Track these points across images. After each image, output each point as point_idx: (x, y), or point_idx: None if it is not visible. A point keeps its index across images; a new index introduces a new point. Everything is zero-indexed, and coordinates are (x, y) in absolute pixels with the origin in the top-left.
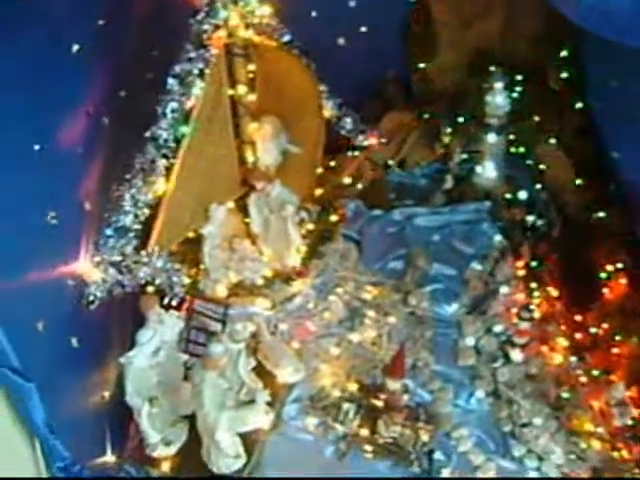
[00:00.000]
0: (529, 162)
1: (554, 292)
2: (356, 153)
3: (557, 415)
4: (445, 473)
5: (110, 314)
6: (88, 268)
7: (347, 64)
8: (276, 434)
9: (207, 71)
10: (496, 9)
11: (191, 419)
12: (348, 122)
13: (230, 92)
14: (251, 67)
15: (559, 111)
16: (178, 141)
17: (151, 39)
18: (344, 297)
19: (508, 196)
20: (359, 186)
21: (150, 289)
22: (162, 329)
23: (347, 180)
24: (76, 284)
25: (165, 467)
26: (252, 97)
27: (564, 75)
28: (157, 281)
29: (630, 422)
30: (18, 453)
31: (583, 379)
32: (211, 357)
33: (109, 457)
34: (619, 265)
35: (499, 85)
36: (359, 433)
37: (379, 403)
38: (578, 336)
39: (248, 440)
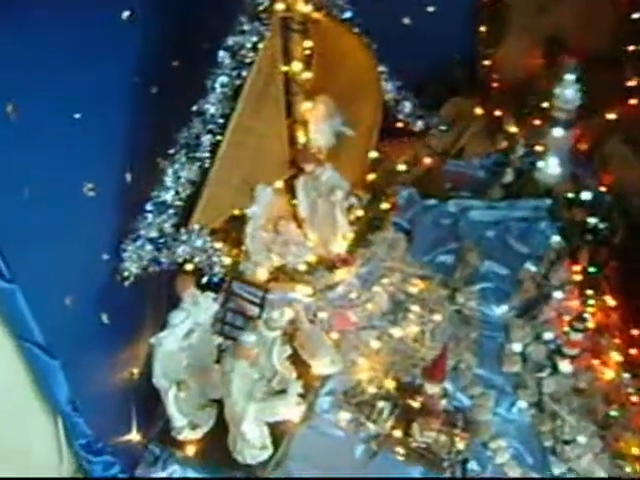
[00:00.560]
0: (595, 161)
1: (611, 302)
2: (413, 139)
3: (603, 434)
4: None
5: (144, 291)
6: (125, 243)
7: (410, 45)
8: (306, 427)
9: (261, 45)
10: None
11: (220, 404)
12: (407, 106)
13: (284, 68)
14: (308, 44)
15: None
16: (226, 117)
17: (209, 8)
18: (389, 289)
19: (570, 195)
20: (414, 173)
21: (188, 267)
22: (196, 310)
23: (402, 167)
24: (111, 259)
25: (190, 451)
26: (307, 75)
27: None
28: (196, 260)
29: None
30: (40, 429)
31: (634, 398)
32: (243, 346)
33: (134, 436)
34: None
35: (570, 77)
36: (392, 434)
37: (415, 404)
38: (633, 352)
39: (276, 431)
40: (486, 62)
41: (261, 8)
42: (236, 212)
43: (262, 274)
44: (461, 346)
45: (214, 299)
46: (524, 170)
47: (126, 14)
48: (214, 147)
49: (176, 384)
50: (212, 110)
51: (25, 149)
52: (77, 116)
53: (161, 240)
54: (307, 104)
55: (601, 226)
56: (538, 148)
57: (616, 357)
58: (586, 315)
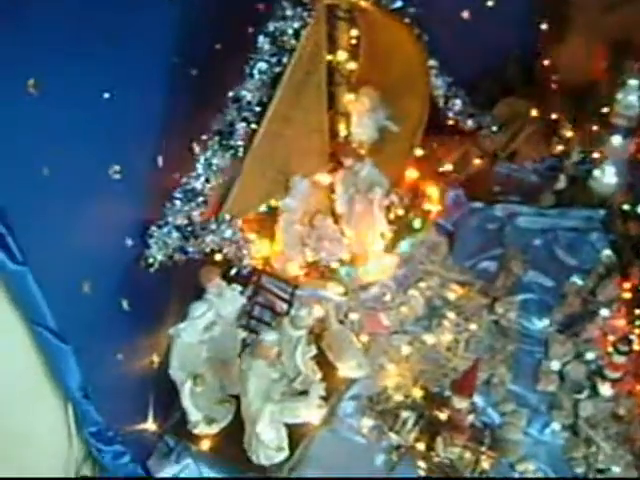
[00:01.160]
0: None
1: None
2: (463, 138)
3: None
4: None
5: (170, 279)
6: (151, 229)
7: (464, 40)
8: (327, 430)
9: (304, 32)
10: None
11: (239, 400)
12: (457, 103)
13: (328, 57)
14: (354, 33)
15: None
16: (263, 105)
17: None
18: (426, 293)
19: (626, 207)
20: (462, 174)
21: (217, 257)
22: (220, 303)
23: (449, 167)
24: (135, 244)
25: (205, 446)
26: (352, 65)
27: None
28: (225, 250)
29: None
30: (51, 415)
31: None
32: (262, 345)
33: (150, 425)
34: None
35: (634, 82)
36: (415, 446)
37: (442, 417)
38: None
39: (296, 432)
40: (545, 61)
41: None
42: (273, 203)
43: (293, 269)
44: (496, 359)
45: (241, 292)
46: (578, 177)
47: None
48: (248, 136)
49: (192, 377)
50: (248, 97)
51: (46, 126)
52: (106, 95)
53: (189, 228)
54: (350, 96)
55: None
56: (595, 155)
57: None
58: (632, 337)
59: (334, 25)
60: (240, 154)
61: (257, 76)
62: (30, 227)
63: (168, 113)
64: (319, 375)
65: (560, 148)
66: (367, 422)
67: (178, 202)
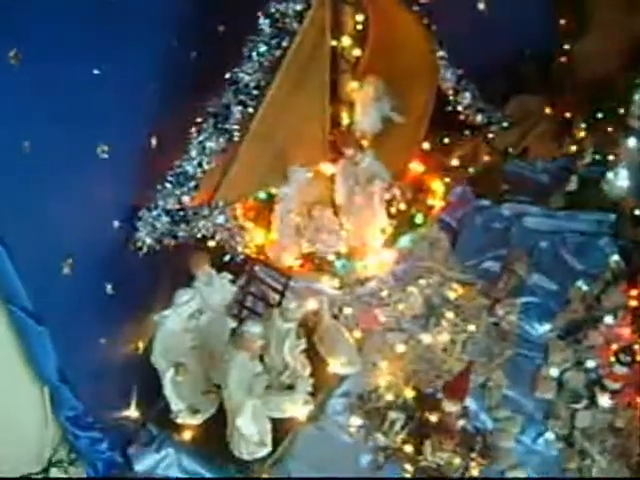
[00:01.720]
0: None
1: None
2: (474, 134)
3: None
4: None
5: (159, 264)
6: (140, 211)
7: (479, 32)
8: (313, 427)
9: (307, 15)
10: None
11: None
12: (466, 97)
13: (332, 43)
14: (360, 18)
15: None
16: (261, 89)
17: None
18: (424, 291)
19: (637, 212)
20: (470, 170)
21: (210, 244)
22: (209, 291)
23: (456, 162)
24: (123, 227)
25: (187, 436)
26: (357, 52)
27: None
28: (217, 237)
29: None
30: (26, 397)
31: None
32: (245, 336)
33: (132, 412)
34: None
35: None
36: (402, 448)
37: (433, 419)
38: None
39: (280, 428)
40: (562, 59)
41: None
42: (273, 191)
43: (288, 259)
44: (493, 362)
45: (232, 281)
46: (590, 179)
47: None
48: (245, 120)
49: (174, 366)
50: (246, 80)
51: (27, 99)
52: (96, 72)
53: (179, 213)
54: (355, 84)
55: None
56: (608, 157)
57: None
58: (636, 346)
59: (339, 9)
60: (235, 138)
61: (256, 58)
62: (7, 202)
63: (164, 95)
64: (308, 370)
65: (573, 148)
66: (355, 421)
67: (169, 185)
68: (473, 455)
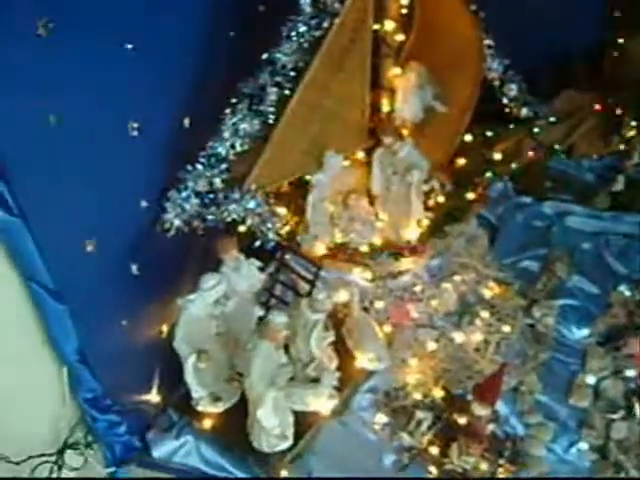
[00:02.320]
0: None
1: None
2: (518, 127)
3: None
4: None
5: (187, 246)
6: (169, 192)
7: (529, 22)
8: (337, 422)
9: None
10: None
11: None
12: (513, 89)
13: (375, 26)
14: (405, 1)
15: None
16: (299, 71)
17: None
18: (459, 288)
19: None
20: (513, 165)
21: (241, 229)
22: (236, 277)
23: (498, 156)
24: (150, 207)
25: (207, 424)
26: (400, 37)
27: None
28: (248, 222)
29: None
30: (44, 376)
31: None
32: (270, 326)
33: (153, 396)
34: None
35: None
36: (428, 450)
37: (461, 421)
38: None
39: (303, 421)
40: (614, 53)
41: None
42: (308, 177)
43: (320, 249)
44: (527, 366)
45: (261, 268)
46: (638, 180)
47: None
48: (281, 102)
49: (197, 353)
50: (284, 61)
51: (54, 71)
52: (129, 46)
53: (210, 195)
54: (396, 70)
55: None
56: None
57: None
58: None
59: None
60: (270, 121)
61: (295, 39)
62: (31, 178)
63: (200, 74)
64: (335, 363)
65: (621, 147)
66: (381, 418)
67: (200, 167)
68: (501, 461)
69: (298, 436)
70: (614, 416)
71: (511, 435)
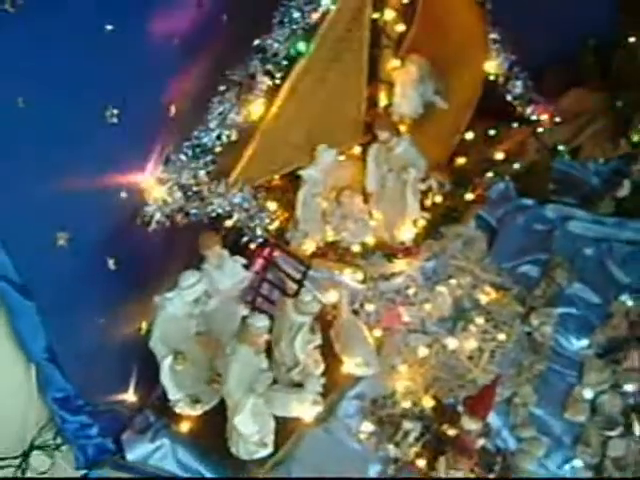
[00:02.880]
0: None
1: None
2: (523, 127)
3: None
4: None
5: (170, 241)
6: (151, 183)
7: (537, 16)
8: (321, 429)
9: None
10: None
11: None
12: (518, 86)
13: (374, 15)
14: None
15: None
16: (291, 60)
17: None
18: (455, 292)
19: None
20: (515, 166)
21: (228, 224)
22: (219, 275)
23: (500, 155)
24: (131, 198)
25: (184, 427)
26: (400, 27)
27: None
28: (235, 217)
29: None
30: (10, 376)
31: None
32: (249, 330)
33: (130, 396)
34: None
35: None
36: (415, 462)
37: (450, 433)
38: None
39: (285, 428)
40: (624, 52)
41: None
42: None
43: (309, 247)
44: (522, 376)
45: (245, 266)
46: None
47: None
48: (271, 92)
49: (174, 354)
50: (275, 48)
51: (22, 50)
52: (109, 27)
53: (193, 188)
54: (396, 62)
55: None
56: None
57: None
58: None
59: None
60: (260, 112)
61: (287, 25)
62: None
63: (187, 58)
64: (321, 368)
65: (628, 150)
66: (367, 427)
67: (184, 157)
68: (491, 476)
69: (279, 443)
70: (611, 433)
71: (502, 449)
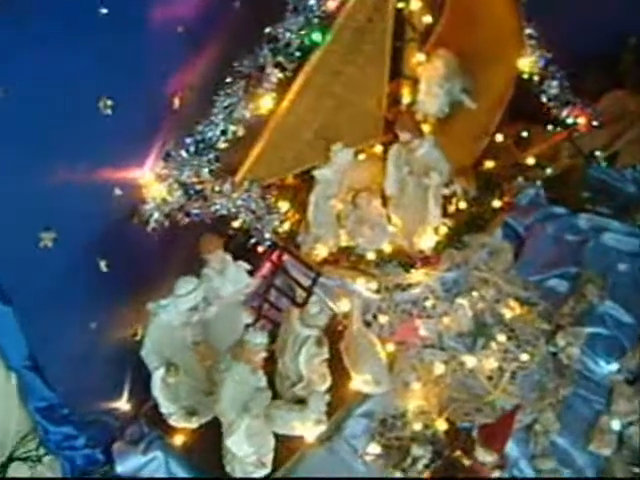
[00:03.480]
0: None
1: None
2: (556, 130)
3: None
4: None
5: (167, 241)
6: (149, 180)
7: (576, 11)
8: (325, 448)
9: None
10: None
11: None
12: (553, 86)
13: (399, 5)
14: None
15: None
16: (305, 51)
17: None
18: (476, 305)
19: None
20: (547, 171)
21: (235, 225)
22: (221, 281)
23: (532, 160)
24: (126, 195)
25: (178, 440)
26: (427, 19)
27: None
28: (241, 219)
29: None
30: None
31: None
32: (245, 348)
33: (123, 404)
34: None
35: None
36: None
37: (463, 461)
38: None
39: (285, 445)
40: None
41: None
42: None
43: (321, 252)
44: (545, 402)
45: (249, 272)
46: None
47: None
48: (282, 85)
49: (166, 365)
50: (288, 38)
51: (8, 35)
52: (103, 11)
53: (195, 187)
54: (421, 57)
55: None
56: None
57: None
58: None
59: None
60: (270, 106)
61: (302, 13)
62: None
63: (193, 46)
64: (328, 383)
65: None
66: (374, 448)
67: (185, 154)
68: None
69: (279, 462)
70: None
71: None
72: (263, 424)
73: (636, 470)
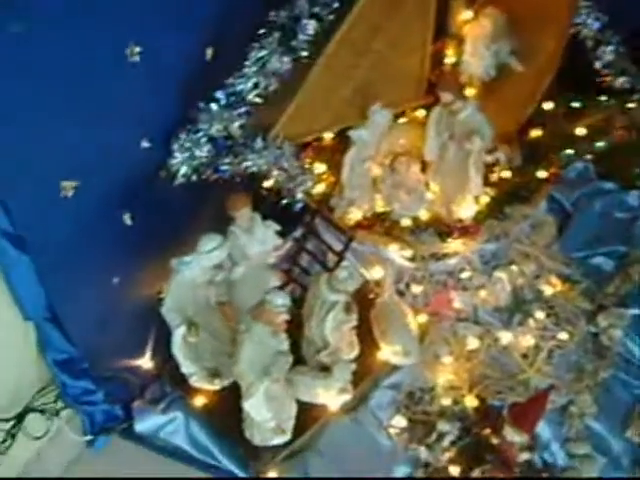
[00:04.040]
0: None
1: None
2: (610, 100)
3: None
4: None
5: (194, 197)
6: (177, 133)
7: None
8: (349, 418)
9: None
10: None
11: None
12: (609, 52)
13: None
14: None
15: None
16: (344, 2)
17: None
18: (516, 280)
19: None
20: (598, 144)
21: (266, 184)
22: (248, 240)
23: (582, 131)
24: (153, 148)
25: (198, 402)
26: None
27: None
28: (273, 177)
29: None
30: (6, 334)
31: None
32: (265, 307)
33: (146, 362)
34: None
35: None
36: (447, 468)
37: (492, 440)
38: None
39: (308, 413)
40: None
41: None
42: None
43: (355, 216)
44: (582, 383)
45: (279, 233)
46: None
47: None
48: (319, 38)
49: (187, 324)
50: None
51: None
52: None
53: (226, 141)
54: (468, 14)
55: None
56: None
57: None
58: None
59: None
60: (304, 60)
61: None
62: None
63: None
64: (355, 352)
65: None
66: (399, 422)
67: (215, 107)
68: None
69: (300, 430)
70: None
71: (550, 465)
72: (284, 389)
73: None
